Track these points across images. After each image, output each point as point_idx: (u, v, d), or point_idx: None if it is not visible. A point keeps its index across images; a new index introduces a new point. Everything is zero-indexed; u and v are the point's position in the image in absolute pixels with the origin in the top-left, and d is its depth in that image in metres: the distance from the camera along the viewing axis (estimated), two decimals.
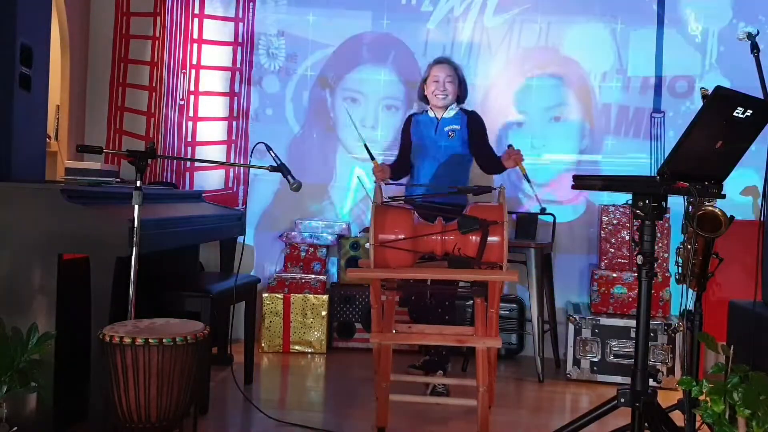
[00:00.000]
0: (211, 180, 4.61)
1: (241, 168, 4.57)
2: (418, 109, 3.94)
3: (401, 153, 3.75)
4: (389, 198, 3.02)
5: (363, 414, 3.11)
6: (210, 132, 4.60)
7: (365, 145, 3.59)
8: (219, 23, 4.59)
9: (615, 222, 3.97)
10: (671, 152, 2.14)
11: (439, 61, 3.68)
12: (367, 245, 2.72)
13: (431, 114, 3.67)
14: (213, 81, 4.60)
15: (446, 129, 3.60)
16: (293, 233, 4.35)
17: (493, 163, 3.61)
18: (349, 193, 4.55)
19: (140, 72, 4.59)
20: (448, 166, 3.57)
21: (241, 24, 4.58)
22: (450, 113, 3.63)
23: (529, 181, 3.59)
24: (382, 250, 2.69)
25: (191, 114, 4.59)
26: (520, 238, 4.02)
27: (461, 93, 3.66)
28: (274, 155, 2.81)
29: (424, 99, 3.71)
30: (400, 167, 3.71)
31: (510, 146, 3.54)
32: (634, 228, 3.52)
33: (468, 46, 4.47)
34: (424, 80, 3.68)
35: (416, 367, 3.65)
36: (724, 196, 2.26)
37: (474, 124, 3.63)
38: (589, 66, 4.41)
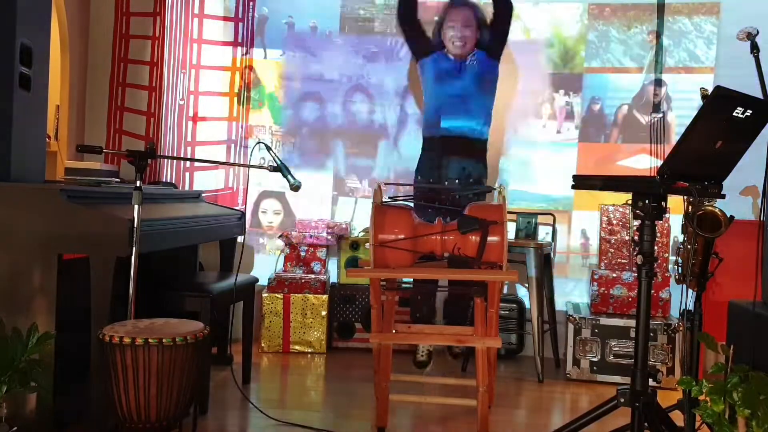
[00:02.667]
0: (210, 180, 4.61)
1: (241, 168, 4.57)
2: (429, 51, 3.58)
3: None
4: (389, 198, 3.02)
5: (363, 414, 3.11)
6: (210, 132, 4.61)
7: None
8: (219, 23, 4.59)
9: (615, 222, 3.97)
10: (671, 152, 2.14)
11: (455, 4, 3.36)
12: (367, 245, 2.71)
13: (450, 56, 3.38)
14: (213, 81, 4.60)
15: (468, 62, 3.34)
16: (293, 233, 4.35)
17: None
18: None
19: (140, 72, 4.59)
20: (469, 103, 3.39)
21: (241, 24, 4.58)
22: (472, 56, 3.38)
23: None
24: (381, 249, 2.69)
25: (191, 114, 4.60)
26: (519, 238, 4.02)
27: (482, 37, 3.37)
28: (273, 155, 2.81)
29: (440, 45, 3.41)
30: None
31: None
32: (634, 228, 3.52)
33: None
34: (440, 23, 3.38)
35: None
36: (724, 196, 2.26)
37: (490, 42, 3.39)
38: None
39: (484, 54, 3.48)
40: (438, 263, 2.91)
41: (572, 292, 4.35)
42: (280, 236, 4.38)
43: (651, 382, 2.32)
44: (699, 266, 2.57)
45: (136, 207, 2.39)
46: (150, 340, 2.11)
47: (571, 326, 3.83)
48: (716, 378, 2.03)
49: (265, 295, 4.19)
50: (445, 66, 3.46)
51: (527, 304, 4.03)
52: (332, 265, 4.47)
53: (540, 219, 4.14)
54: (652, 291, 2.40)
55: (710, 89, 2.14)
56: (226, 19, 4.59)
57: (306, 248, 4.31)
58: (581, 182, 2.39)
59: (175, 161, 4.58)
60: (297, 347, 4.21)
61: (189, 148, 4.59)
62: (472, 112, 3.46)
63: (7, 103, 2.56)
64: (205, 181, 4.60)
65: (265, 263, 4.52)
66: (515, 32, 4.41)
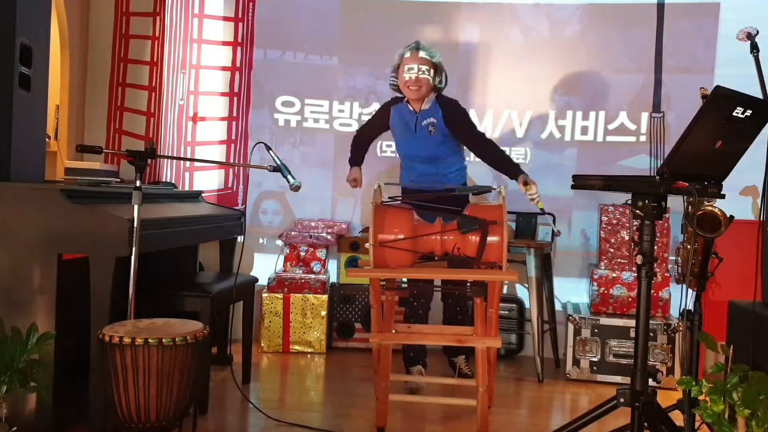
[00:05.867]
0: (210, 180, 4.61)
1: (241, 168, 4.57)
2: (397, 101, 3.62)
3: (370, 128, 3.68)
4: (389, 198, 3.02)
5: (363, 414, 3.11)
6: (210, 132, 4.61)
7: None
8: (219, 23, 4.59)
9: (615, 222, 3.97)
10: (671, 152, 2.14)
11: (411, 49, 3.38)
12: (366, 245, 2.72)
13: (410, 107, 3.43)
14: (213, 81, 4.60)
15: (425, 123, 3.39)
16: (293, 233, 4.35)
17: (488, 153, 3.37)
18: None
19: (140, 72, 4.59)
20: (437, 163, 3.44)
21: (241, 24, 4.58)
22: (427, 105, 3.40)
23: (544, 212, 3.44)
24: (381, 249, 2.69)
25: (191, 114, 4.60)
26: (519, 238, 4.02)
27: (438, 82, 3.40)
28: (273, 155, 2.81)
29: (397, 89, 3.45)
30: (363, 140, 3.67)
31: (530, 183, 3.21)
32: (634, 228, 3.52)
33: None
34: (396, 68, 3.41)
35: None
36: (723, 196, 2.26)
37: (451, 116, 3.38)
38: None
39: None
40: (438, 263, 2.91)
41: (571, 292, 4.35)
42: (280, 236, 4.38)
43: (651, 382, 2.32)
44: (699, 266, 2.57)
45: (135, 207, 2.39)
46: (150, 340, 2.11)
47: (571, 326, 3.83)
48: (716, 378, 2.03)
49: (265, 295, 4.19)
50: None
51: (527, 304, 4.03)
52: (332, 265, 4.47)
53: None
54: (652, 291, 2.40)
55: (710, 89, 2.14)
56: (226, 19, 4.59)
57: (306, 248, 4.31)
58: (581, 182, 2.39)
59: (175, 161, 4.58)
60: (297, 347, 4.21)
61: (189, 148, 4.59)
62: None
63: (7, 103, 2.56)
64: (205, 181, 4.60)
65: (265, 263, 4.52)
66: (517, 33, 4.43)
